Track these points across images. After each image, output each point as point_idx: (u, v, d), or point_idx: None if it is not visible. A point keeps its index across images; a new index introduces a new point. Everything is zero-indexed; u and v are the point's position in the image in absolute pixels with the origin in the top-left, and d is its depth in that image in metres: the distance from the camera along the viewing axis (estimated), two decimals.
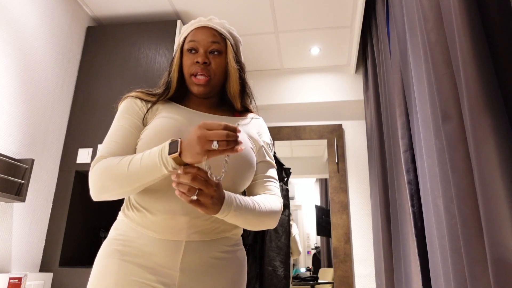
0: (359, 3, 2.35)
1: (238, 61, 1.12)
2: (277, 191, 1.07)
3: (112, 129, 1.04)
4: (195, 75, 1.04)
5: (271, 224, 1.00)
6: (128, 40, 2.50)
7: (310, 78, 3.16)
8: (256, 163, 1.06)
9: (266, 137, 1.14)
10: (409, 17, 1.50)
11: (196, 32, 1.08)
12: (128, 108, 1.05)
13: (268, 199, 1.01)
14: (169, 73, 1.09)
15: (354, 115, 3.10)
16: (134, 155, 0.92)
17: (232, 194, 0.89)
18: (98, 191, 0.93)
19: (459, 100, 1.05)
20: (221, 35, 1.09)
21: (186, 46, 1.08)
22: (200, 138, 0.78)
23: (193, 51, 1.07)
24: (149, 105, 1.05)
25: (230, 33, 1.13)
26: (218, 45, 1.07)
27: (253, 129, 1.10)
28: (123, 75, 2.39)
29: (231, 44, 1.10)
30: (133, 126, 1.02)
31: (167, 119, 1.00)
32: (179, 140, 0.83)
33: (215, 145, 0.77)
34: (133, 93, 1.09)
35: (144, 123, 1.03)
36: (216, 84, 1.08)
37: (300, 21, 2.63)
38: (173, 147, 0.83)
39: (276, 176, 1.11)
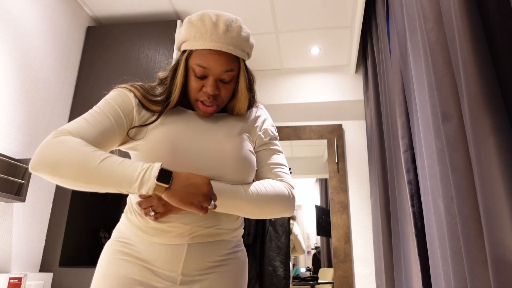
0: (359, 3, 2.35)
1: (250, 84, 1.01)
2: (285, 175, 1.01)
3: (92, 110, 0.93)
4: (202, 101, 0.96)
5: (277, 210, 0.94)
6: (128, 40, 2.49)
7: (310, 78, 3.16)
8: (256, 152, 1.03)
9: (267, 124, 1.08)
10: (409, 17, 1.50)
11: (208, 56, 0.92)
12: (123, 97, 0.96)
13: (265, 183, 0.95)
14: (171, 82, 0.98)
15: (354, 115, 3.10)
16: (112, 154, 0.85)
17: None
18: (44, 165, 0.81)
19: (459, 100, 1.05)
20: (236, 58, 0.95)
21: (194, 68, 0.94)
22: (206, 196, 0.83)
23: (202, 77, 0.95)
24: (147, 115, 0.96)
25: (246, 46, 0.97)
26: (231, 73, 0.95)
27: (254, 125, 1.06)
28: (123, 75, 2.39)
29: (244, 65, 0.98)
30: (117, 118, 0.93)
31: (165, 131, 0.94)
32: (172, 172, 0.83)
33: (212, 204, 0.85)
34: (132, 88, 0.98)
35: (134, 131, 0.96)
36: (222, 106, 1.02)
37: (300, 21, 2.62)
38: (165, 176, 0.82)
39: (280, 160, 1.04)
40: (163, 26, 2.49)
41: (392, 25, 1.89)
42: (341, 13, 2.53)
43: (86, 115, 0.92)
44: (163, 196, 0.83)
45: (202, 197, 0.83)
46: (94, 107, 0.95)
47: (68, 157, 0.81)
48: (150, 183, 0.81)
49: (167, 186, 0.81)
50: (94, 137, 0.88)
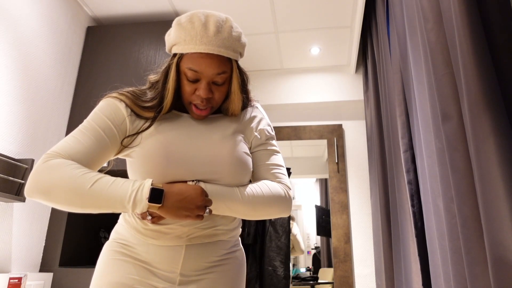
0: (359, 3, 2.35)
1: (244, 85, 0.99)
2: (282, 176, 1.00)
3: (81, 126, 0.91)
4: (196, 105, 0.95)
5: (273, 211, 0.94)
6: (128, 40, 2.49)
7: (310, 78, 3.16)
8: (253, 152, 1.02)
9: (263, 124, 1.06)
10: (409, 17, 1.50)
11: (199, 60, 0.89)
12: (113, 108, 0.93)
13: (261, 185, 0.95)
14: (163, 86, 0.95)
15: (354, 115, 3.10)
16: (103, 175, 0.83)
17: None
18: (38, 192, 0.81)
19: (459, 100, 1.05)
20: (228, 59, 0.93)
21: (185, 72, 0.92)
22: (200, 207, 0.84)
23: (194, 81, 0.93)
24: (141, 123, 0.94)
25: (238, 46, 0.93)
26: (224, 75, 0.93)
27: (249, 126, 1.04)
28: (123, 75, 2.39)
29: (237, 65, 0.96)
30: (108, 131, 0.91)
31: (159, 138, 0.92)
32: (163, 190, 0.83)
33: (207, 211, 0.86)
34: (122, 97, 0.95)
35: (128, 139, 0.94)
36: (217, 107, 1.00)
37: (300, 21, 2.62)
38: (156, 196, 0.81)
39: (277, 161, 1.03)
40: (163, 26, 2.49)
41: (392, 25, 1.89)
42: (341, 13, 2.53)
43: (76, 132, 0.90)
44: (158, 212, 0.84)
45: (196, 209, 0.84)
46: (84, 122, 0.93)
47: (59, 183, 0.80)
48: (143, 204, 0.81)
49: (159, 205, 0.82)
50: (85, 155, 0.87)
